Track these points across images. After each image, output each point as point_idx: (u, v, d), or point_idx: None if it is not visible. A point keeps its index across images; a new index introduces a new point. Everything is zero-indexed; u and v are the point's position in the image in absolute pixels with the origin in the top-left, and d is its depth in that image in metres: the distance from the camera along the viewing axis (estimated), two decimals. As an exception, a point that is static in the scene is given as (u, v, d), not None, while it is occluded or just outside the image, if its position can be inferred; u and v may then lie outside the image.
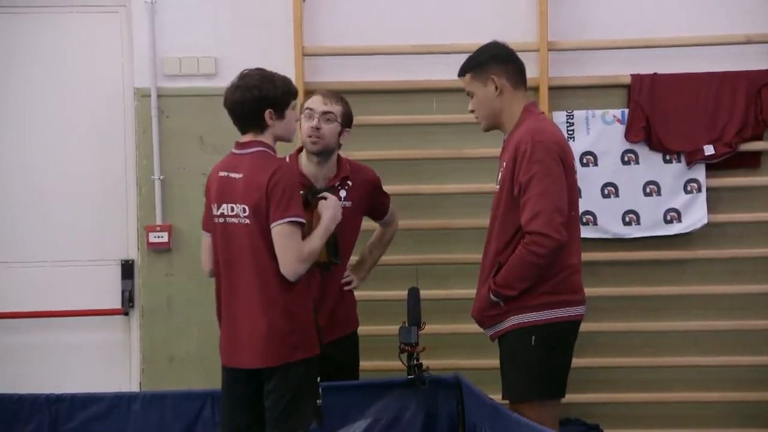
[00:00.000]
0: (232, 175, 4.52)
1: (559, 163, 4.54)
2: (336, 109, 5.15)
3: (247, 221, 4.45)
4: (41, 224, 6.40)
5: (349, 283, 5.29)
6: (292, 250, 4.40)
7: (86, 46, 6.39)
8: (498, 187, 4.70)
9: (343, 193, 5.18)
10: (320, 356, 5.17)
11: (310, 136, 5.11)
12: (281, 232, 4.40)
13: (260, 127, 4.55)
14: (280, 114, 4.56)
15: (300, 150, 5.27)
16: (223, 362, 4.63)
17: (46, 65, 6.38)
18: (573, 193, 4.65)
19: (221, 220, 4.53)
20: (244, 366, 4.51)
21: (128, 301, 6.38)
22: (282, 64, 6.14)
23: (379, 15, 6.27)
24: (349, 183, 5.22)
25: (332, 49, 6.23)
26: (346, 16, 6.27)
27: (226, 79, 6.23)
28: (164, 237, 6.24)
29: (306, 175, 5.15)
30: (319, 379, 4.61)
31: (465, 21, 6.22)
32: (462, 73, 4.79)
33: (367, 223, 5.47)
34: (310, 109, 5.14)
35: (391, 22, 6.26)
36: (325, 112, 5.12)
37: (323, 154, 5.14)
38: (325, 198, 4.65)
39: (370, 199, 5.31)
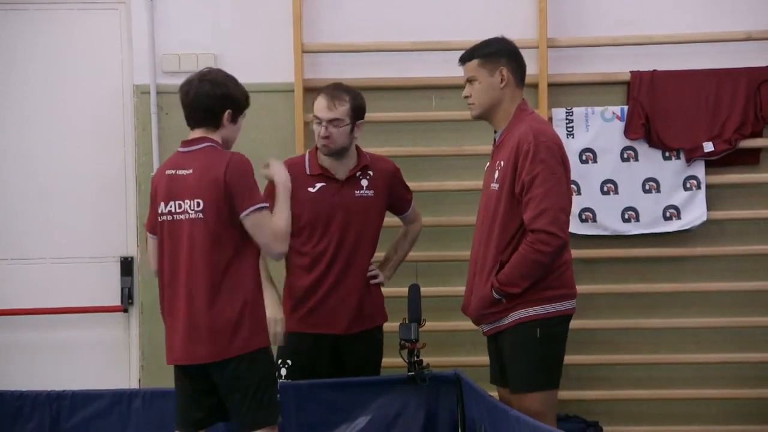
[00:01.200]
0: (180, 172, 4.51)
1: (561, 165, 4.61)
2: (341, 111, 5.14)
3: (201, 215, 4.44)
4: (40, 221, 6.40)
5: (375, 276, 5.30)
6: (268, 233, 4.44)
7: (86, 43, 6.39)
8: (497, 186, 4.71)
9: (364, 183, 5.23)
10: (342, 348, 5.19)
11: (320, 141, 5.16)
12: (253, 221, 4.43)
13: (215, 125, 4.56)
14: (235, 118, 4.60)
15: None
16: (171, 361, 4.62)
17: (46, 62, 6.38)
18: (569, 194, 4.71)
19: (168, 217, 4.51)
20: (200, 361, 4.50)
21: (127, 298, 6.38)
22: (281, 60, 6.17)
23: (378, 12, 6.27)
24: (370, 173, 5.26)
25: (332, 46, 6.23)
26: (346, 13, 6.27)
27: (225, 76, 6.26)
28: (164, 234, 6.24)
29: (327, 169, 5.20)
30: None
31: (465, 18, 6.22)
32: (469, 57, 4.81)
33: (391, 219, 5.48)
34: (317, 117, 5.17)
35: (390, 19, 6.25)
36: (331, 120, 5.13)
37: (337, 153, 5.18)
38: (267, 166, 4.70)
39: (391, 189, 5.34)
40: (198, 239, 4.44)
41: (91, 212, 6.41)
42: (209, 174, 4.44)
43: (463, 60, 4.84)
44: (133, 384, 6.33)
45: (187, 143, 4.58)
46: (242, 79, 6.19)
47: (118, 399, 5.13)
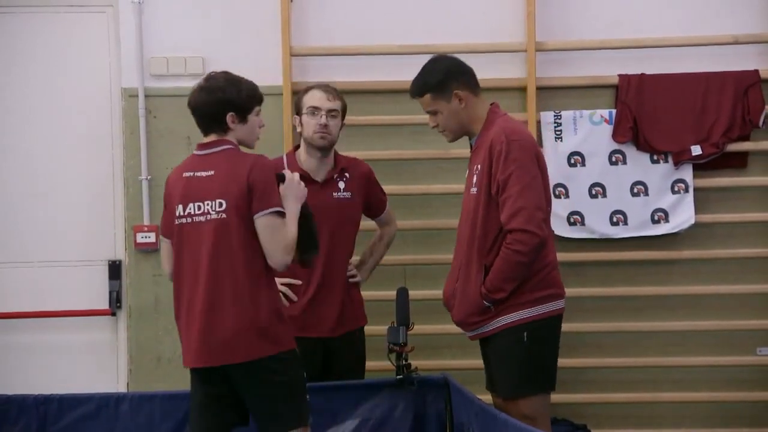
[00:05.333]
0: (200, 174, 4.49)
1: (535, 162, 4.62)
2: (338, 104, 5.27)
3: (224, 215, 4.41)
4: (28, 225, 6.38)
5: (353, 276, 5.34)
6: (278, 240, 4.40)
7: (73, 46, 6.37)
8: (476, 189, 4.70)
9: (341, 185, 5.27)
10: (329, 351, 5.19)
11: (317, 133, 5.19)
12: (267, 223, 4.40)
13: (222, 129, 4.54)
14: (242, 118, 4.56)
15: (296, 148, 5.32)
16: (191, 364, 4.51)
17: (32, 65, 6.36)
18: (547, 192, 4.72)
19: (187, 220, 4.48)
20: (229, 362, 4.42)
21: (115, 301, 6.36)
22: (269, 64, 6.16)
23: (366, 15, 6.27)
24: (347, 175, 5.31)
25: (320, 50, 6.23)
26: (334, 17, 6.28)
27: (213, 79, 6.25)
28: (152, 237, 6.23)
29: (307, 171, 5.22)
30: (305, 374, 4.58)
31: (453, 21, 6.23)
32: (419, 94, 4.82)
33: (367, 223, 5.51)
34: (315, 107, 5.22)
35: (378, 22, 6.26)
36: (330, 110, 5.22)
37: (328, 149, 5.26)
38: (282, 180, 4.58)
39: (367, 191, 5.38)
40: (222, 241, 4.41)
41: (79, 215, 6.40)
42: (233, 174, 4.42)
43: (414, 96, 4.86)
44: (120, 387, 6.32)
45: (203, 146, 4.57)
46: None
47: (105, 403, 5.12)
